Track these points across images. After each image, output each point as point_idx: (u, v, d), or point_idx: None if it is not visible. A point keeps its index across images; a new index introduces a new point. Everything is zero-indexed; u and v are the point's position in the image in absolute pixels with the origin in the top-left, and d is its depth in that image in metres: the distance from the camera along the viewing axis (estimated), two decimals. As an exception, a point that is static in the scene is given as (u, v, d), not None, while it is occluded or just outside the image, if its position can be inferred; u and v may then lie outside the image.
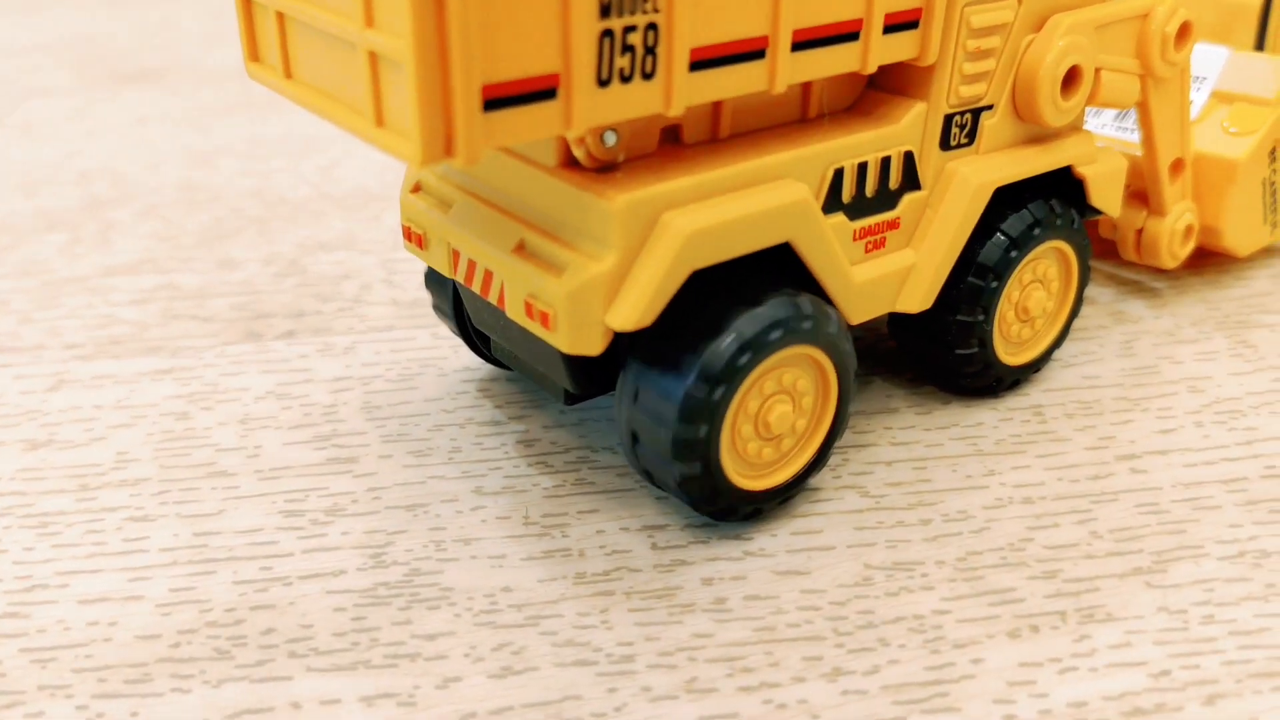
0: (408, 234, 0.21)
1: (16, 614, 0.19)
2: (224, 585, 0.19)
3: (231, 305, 0.28)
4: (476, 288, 0.19)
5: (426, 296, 0.28)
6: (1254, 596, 0.18)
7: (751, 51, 0.17)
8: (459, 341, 0.26)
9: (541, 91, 0.15)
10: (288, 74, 0.18)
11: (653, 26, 0.16)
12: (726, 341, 0.18)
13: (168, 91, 0.46)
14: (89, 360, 0.26)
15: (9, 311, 0.28)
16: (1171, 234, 0.25)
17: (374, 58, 0.15)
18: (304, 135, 0.41)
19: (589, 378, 0.19)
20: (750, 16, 0.17)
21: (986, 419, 0.22)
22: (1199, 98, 0.27)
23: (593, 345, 0.17)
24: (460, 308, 0.22)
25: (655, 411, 0.18)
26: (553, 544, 0.20)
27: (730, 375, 0.18)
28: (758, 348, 0.18)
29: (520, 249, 0.18)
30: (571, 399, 0.20)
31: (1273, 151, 0.26)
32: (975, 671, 0.17)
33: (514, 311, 0.18)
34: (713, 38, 0.17)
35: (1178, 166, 0.25)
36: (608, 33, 0.15)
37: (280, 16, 0.17)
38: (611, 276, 0.17)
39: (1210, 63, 0.27)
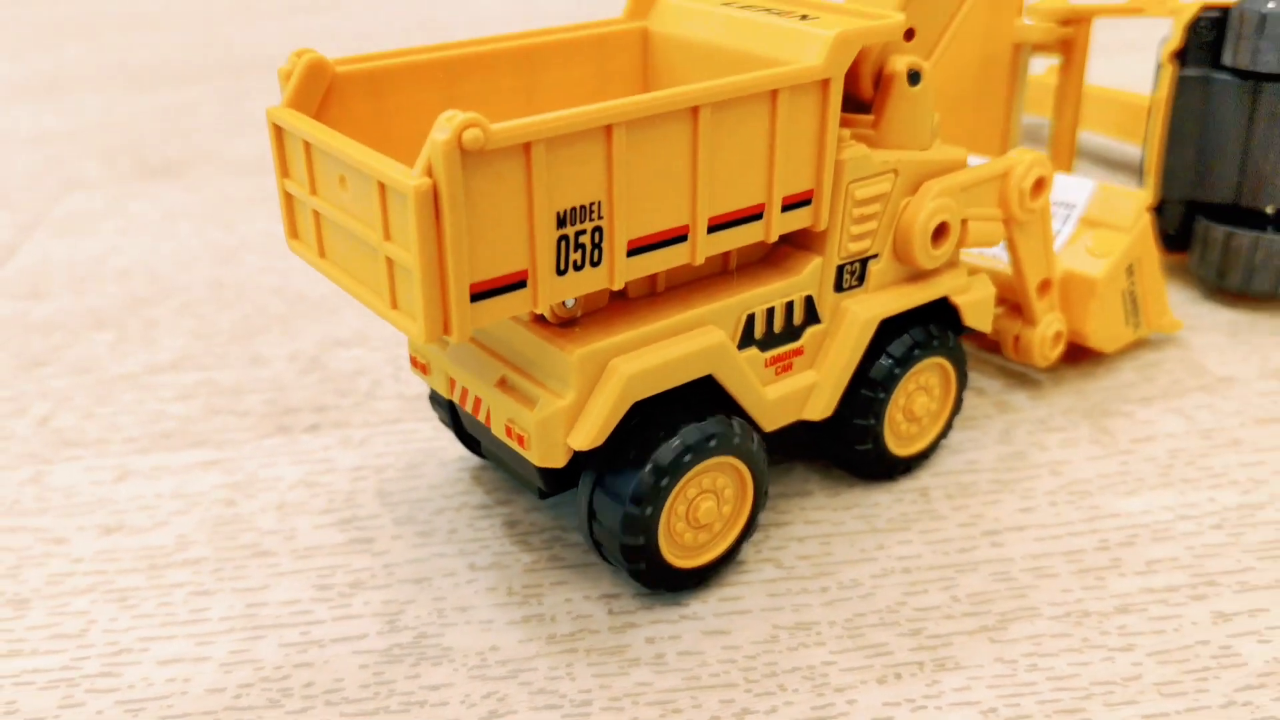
0: (414, 362, 0.26)
1: (110, 673, 0.24)
2: (272, 648, 0.24)
3: (263, 401, 0.34)
4: (469, 409, 0.25)
5: (422, 392, 0.34)
6: (1071, 649, 0.23)
7: (676, 237, 0.22)
8: (452, 438, 0.31)
9: (514, 284, 0.21)
10: (321, 254, 0.23)
11: (598, 229, 0.21)
12: (674, 444, 0.23)
13: (191, 187, 0.52)
14: (146, 454, 0.31)
15: (73, 408, 0.34)
16: (1042, 340, 0.30)
17: (390, 261, 0.20)
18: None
19: (557, 480, 0.25)
20: (673, 214, 0.22)
21: (882, 500, 0.28)
22: (1069, 224, 0.32)
23: (558, 460, 0.23)
24: (456, 415, 0.28)
25: (613, 494, 0.23)
26: (530, 610, 0.25)
27: (675, 470, 0.23)
28: (698, 450, 0.23)
29: (502, 383, 0.23)
30: (544, 495, 0.26)
31: (1130, 268, 0.32)
32: (849, 710, 0.22)
33: (497, 430, 0.23)
34: (644, 231, 0.22)
35: (1045, 286, 0.30)
36: (563, 238, 0.21)
37: (316, 214, 0.23)
38: (571, 409, 0.22)
39: (1079, 193, 0.33)
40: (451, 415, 0.28)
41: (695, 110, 0.21)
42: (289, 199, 0.24)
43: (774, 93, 0.22)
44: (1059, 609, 0.24)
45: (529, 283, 0.21)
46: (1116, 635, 0.23)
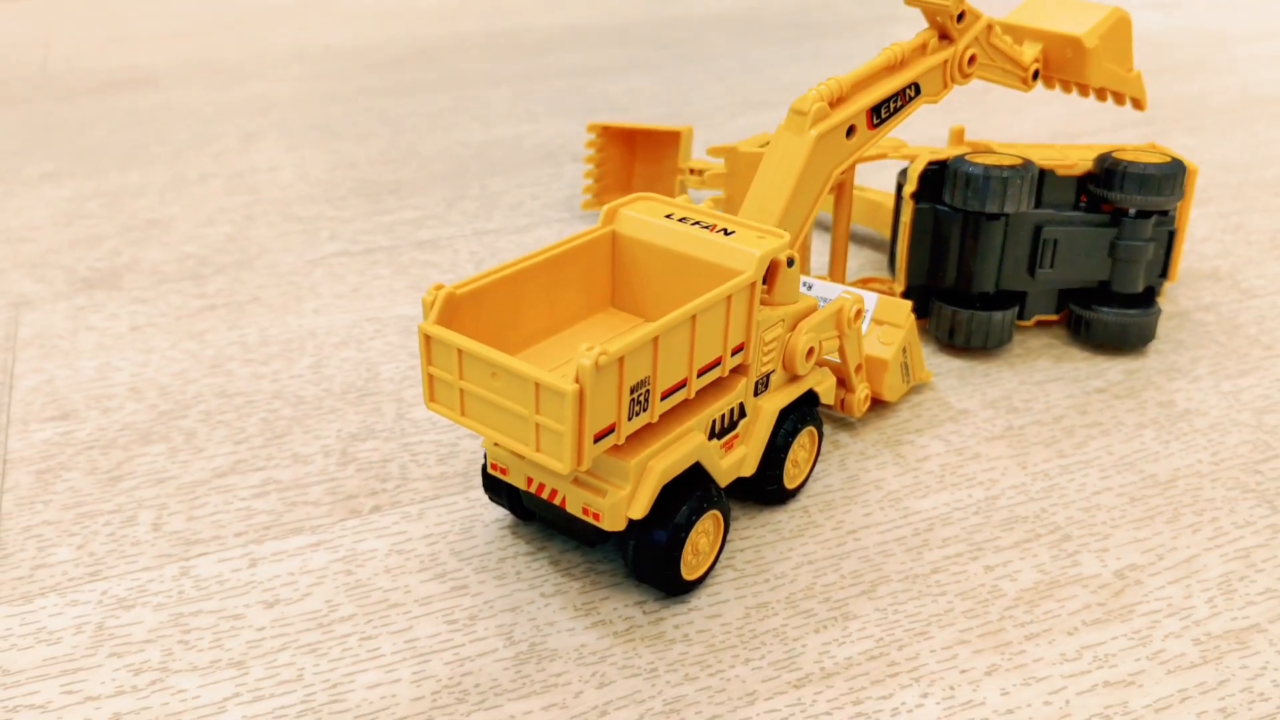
0: (494, 467, 0.40)
1: (337, 700, 0.36)
2: (439, 665, 0.37)
3: (325, 492, 0.45)
4: (545, 496, 0.38)
5: (446, 471, 0.46)
6: (913, 598, 0.40)
7: (682, 385, 0.37)
8: (489, 505, 0.44)
9: (610, 430, 0.35)
10: (462, 414, 0.36)
11: (647, 391, 0.36)
12: (686, 509, 0.38)
13: (136, 298, 0.60)
14: (261, 543, 0.42)
15: (173, 513, 0.44)
16: (859, 400, 0.47)
17: (538, 425, 0.34)
18: (281, 338, 0.56)
19: (602, 535, 0.39)
20: (680, 373, 0.37)
21: (782, 518, 0.44)
22: (866, 323, 0.49)
23: (620, 526, 0.37)
24: (516, 496, 0.41)
25: (655, 542, 0.38)
26: (594, 619, 0.39)
27: (688, 526, 0.38)
28: (698, 511, 0.38)
29: (576, 481, 0.37)
30: (592, 545, 0.40)
31: (904, 349, 0.49)
32: (804, 651, 0.38)
33: (573, 509, 0.37)
34: (666, 385, 0.37)
35: (859, 369, 0.47)
36: (633, 399, 0.35)
37: (462, 391, 0.36)
38: (629, 495, 0.37)
39: (868, 303, 0.50)
40: (511, 497, 0.41)
41: (694, 318, 0.36)
42: (431, 379, 0.36)
43: (729, 297, 0.38)
44: (902, 574, 0.41)
45: (616, 428, 0.35)
46: (936, 587, 0.40)
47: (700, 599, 0.40)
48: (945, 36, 0.46)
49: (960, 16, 0.46)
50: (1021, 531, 0.43)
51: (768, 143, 0.54)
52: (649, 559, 0.38)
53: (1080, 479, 0.46)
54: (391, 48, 1.11)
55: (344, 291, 0.61)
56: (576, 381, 0.33)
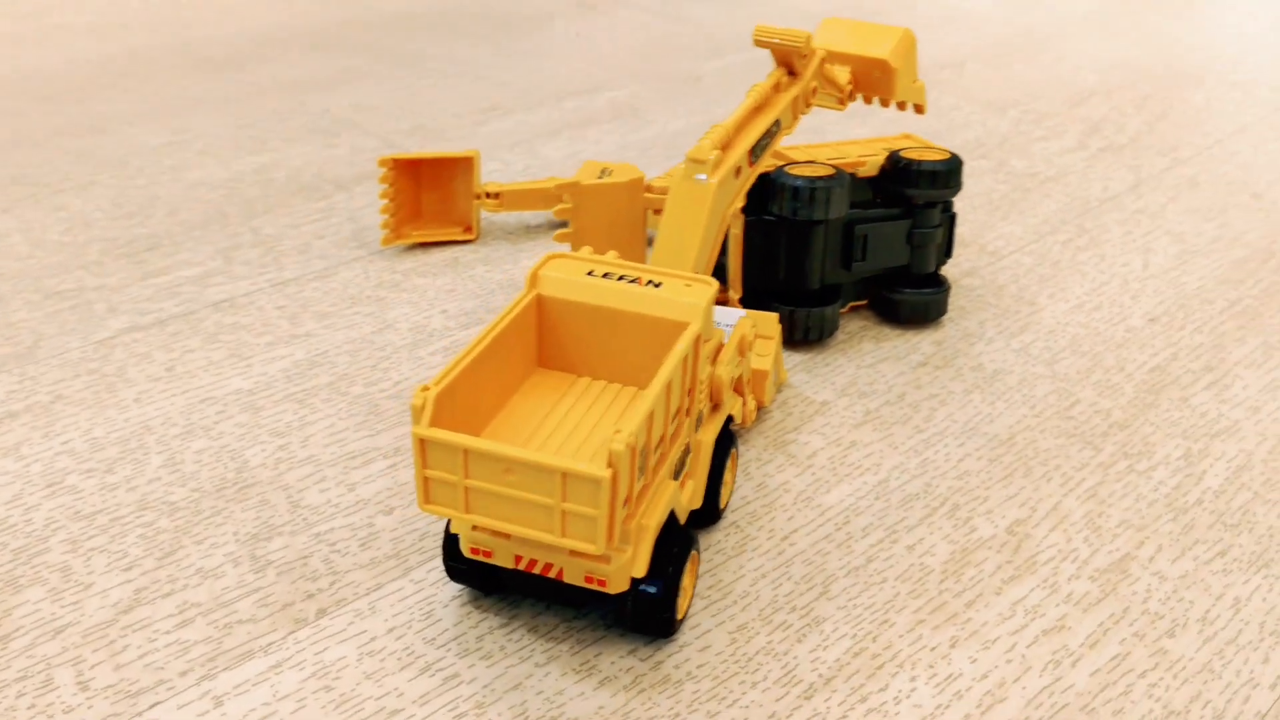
0: (474, 551, 0.39)
1: (381, 824, 0.35)
2: (470, 763, 0.37)
3: (255, 605, 0.42)
4: (537, 571, 0.38)
5: (376, 556, 0.45)
6: (863, 588, 0.44)
7: (661, 441, 0.39)
8: (437, 583, 0.43)
9: (625, 502, 0.36)
10: (466, 510, 0.35)
11: (644, 455, 0.37)
12: (678, 557, 0.40)
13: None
14: (213, 677, 0.39)
15: (93, 665, 0.39)
16: (749, 412, 0.51)
17: (564, 511, 0.34)
18: (114, 439, 0.51)
19: (600, 596, 0.40)
20: (660, 427, 0.38)
21: (719, 537, 0.46)
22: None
23: (624, 587, 0.38)
24: (491, 575, 0.41)
25: (654, 591, 0.39)
26: (600, 676, 0.40)
27: (679, 575, 0.40)
28: (686, 557, 0.40)
29: (572, 553, 0.38)
30: (579, 606, 0.40)
31: (776, 358, 0.53)
32: (793, 650, 0.41)
33: (573, 579, 0.38)
34: (655, 444, 0.38)
35: (749, 382, 0.50)
36: (640, 468, 0.36)
37: (466, 490, 0.35)
38: (631, 557, 0.38)
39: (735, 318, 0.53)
40: (484, 576, 0.41)
41: (669, 385, 0.38)
42: (427, 481, 0.35)
43: (686, 357, 0.39)
44: (844, 569, 0.45)
45: (630, 498, 0.36)
46: (876, 576, 0.45)
47: (685, 634, 0.42)
48: (792, 72, 0.49)
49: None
50: (920, 508, 0.49)
51: (604, 171, 0.56)
52: (649, 611, 0.39)
53: (942, 450, 0.52)
54: (62, 75, 0.99)
55: (159, 373, 0.56)
56: (610, 466, 0.34)
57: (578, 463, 0.34)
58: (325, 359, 0.58)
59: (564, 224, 0.70)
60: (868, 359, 0.59)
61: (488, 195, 0.68)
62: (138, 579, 0.43)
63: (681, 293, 0.41)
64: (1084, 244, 0.73)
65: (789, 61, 0.49)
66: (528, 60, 1.06)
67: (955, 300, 0.65)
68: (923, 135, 0.90)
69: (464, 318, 0.61)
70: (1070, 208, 0.78)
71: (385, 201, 0.67)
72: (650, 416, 0.36)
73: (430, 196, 0.69)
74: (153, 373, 0.56)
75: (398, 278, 0.65)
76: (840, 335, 0.61)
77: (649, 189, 0.56)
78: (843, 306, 0.62)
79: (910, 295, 0.61)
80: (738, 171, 0.46)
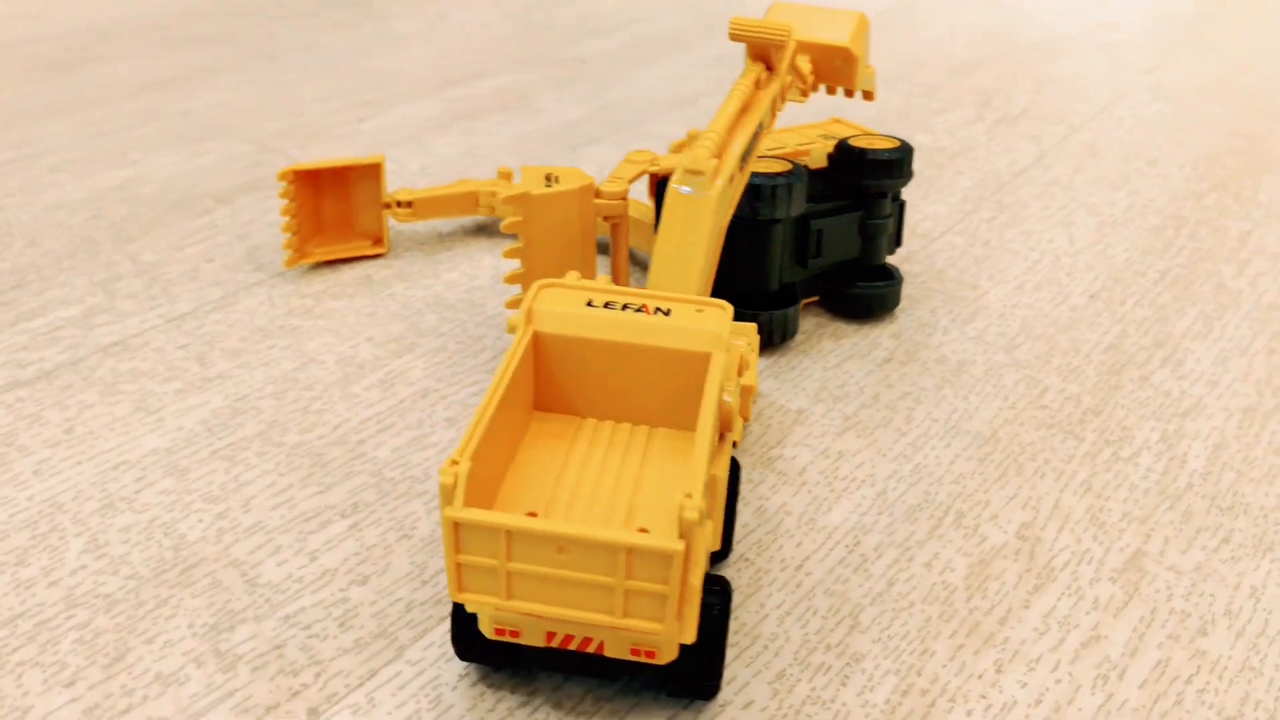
0: (500, 631, 0.35)
1: None
2: None
3: (233, 712, 0.37)
4: (573, 646, 0.34)
5: (360, 638, 0.40)
6: (887, 613, 0.42)
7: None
8: (437, 660, 0.39)
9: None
10: (508, 597, 0.31)
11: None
12: (718, 610, 0.36)
13: None
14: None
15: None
16: (738, 429, 0.48)
17: (626, 591, 0.30)
18: (19, 522, 0.44)
19: (637, 667, 0.36)
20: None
21: (729, 573, 0.43)
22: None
23: (674, 654, 0.34)
24: (510, 653, 0.36)
25: (700, 649, 0.35)
26: (638, 752, 0.36)
27: (726, 612, 0.36)
28: (728, 610, 0.36)
29: (614, 627, 0.34)
30: (614, 680, 0.36)
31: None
32: (836, 695, 0.38)
33: (618, 653, 0.34)
34: (697, 498, 0.34)
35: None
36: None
37: (510, 574, 0.30)
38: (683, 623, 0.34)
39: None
40: (501, 653, 0.36)
41: (714, 428, 0.34)
42: (460, 568, 0.31)
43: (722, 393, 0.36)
44: (868, 596, 0.43)
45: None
46: (902, 600, 0.43)
47: (724, 691, 0.38)
48: (770, 68, 0.46)
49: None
50: (925, 520, 0.47)
51: (549, 177, 0.51)
52: (697, 674, 0.36)
53: (931, 454, 0.50)
54: None
55: (56, 437, 0.48)
56: (681, 537, 0.30)
57: (645, 537, 0.30)
58: (247, 404, 0.51)
59: (513, 237, 0.65)
60: (831, 359, 0.57)
61: (399, 204, 0.62)
62: (85, 695, 0.37)
63: (696, 320, 0.38)
64: (1007, 220, 0.72)
65: (766, 56, 0.46)
66: (396, 47, 0.99)
67: (903, 289, 0.63)
68: (829, 114, 0.89)
69: (394, 344, 0.56)
70: (985, 184, 0.78)
71: (287, 219, 0.61)
72: (713, 475, 0.33)
73: (332, 208, 0.63)
74: (49, 437, 0.48)
75: (309, 302, 0.59)
76: (798, 335, 0.59)
77: (599, 194, 0.52)
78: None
79: (866, 289, 0.59)
80: (730, 179, 0.43)
